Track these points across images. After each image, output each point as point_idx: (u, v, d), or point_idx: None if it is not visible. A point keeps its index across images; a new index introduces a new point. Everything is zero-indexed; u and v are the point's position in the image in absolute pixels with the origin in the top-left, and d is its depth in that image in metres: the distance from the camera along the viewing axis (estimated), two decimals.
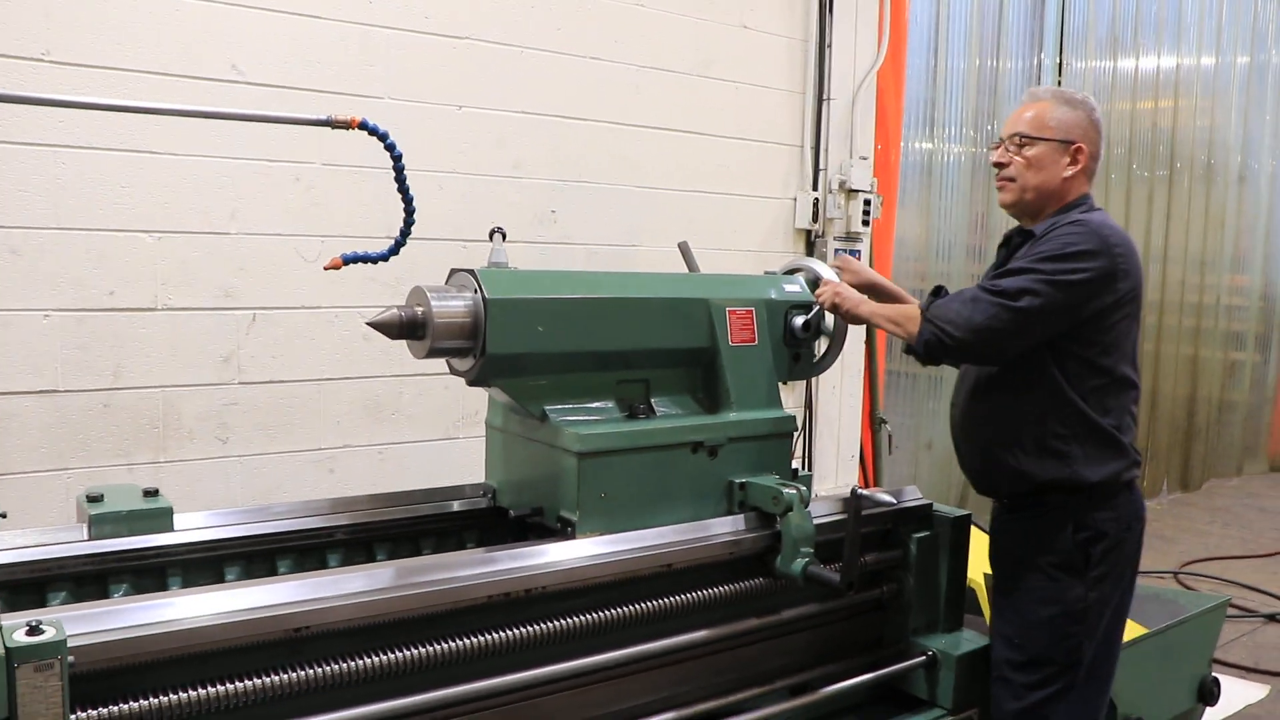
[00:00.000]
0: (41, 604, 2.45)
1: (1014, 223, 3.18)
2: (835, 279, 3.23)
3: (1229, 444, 10.73)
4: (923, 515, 3.23)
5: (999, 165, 3.07)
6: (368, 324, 2.60)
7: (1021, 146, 3.01)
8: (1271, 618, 6.45)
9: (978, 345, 2.87)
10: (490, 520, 3.09)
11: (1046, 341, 2.88)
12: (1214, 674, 3.77)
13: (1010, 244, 3.11)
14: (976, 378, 3.09)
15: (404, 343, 2.66)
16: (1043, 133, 3.00)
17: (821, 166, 6.09)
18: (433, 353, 2.62)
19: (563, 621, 2.48)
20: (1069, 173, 3.00)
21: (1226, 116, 9.91)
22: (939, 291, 3.01)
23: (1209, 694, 3.72)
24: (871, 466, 6.64)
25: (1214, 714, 4.58)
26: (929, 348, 2.91)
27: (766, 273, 3.39)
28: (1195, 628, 3.68)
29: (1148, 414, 9.40)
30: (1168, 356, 9.63)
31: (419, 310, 2.59)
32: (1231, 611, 5.88)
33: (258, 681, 2.08)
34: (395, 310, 2.59)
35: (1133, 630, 3.54)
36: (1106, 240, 2.83)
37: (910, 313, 2.99)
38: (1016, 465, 2.97)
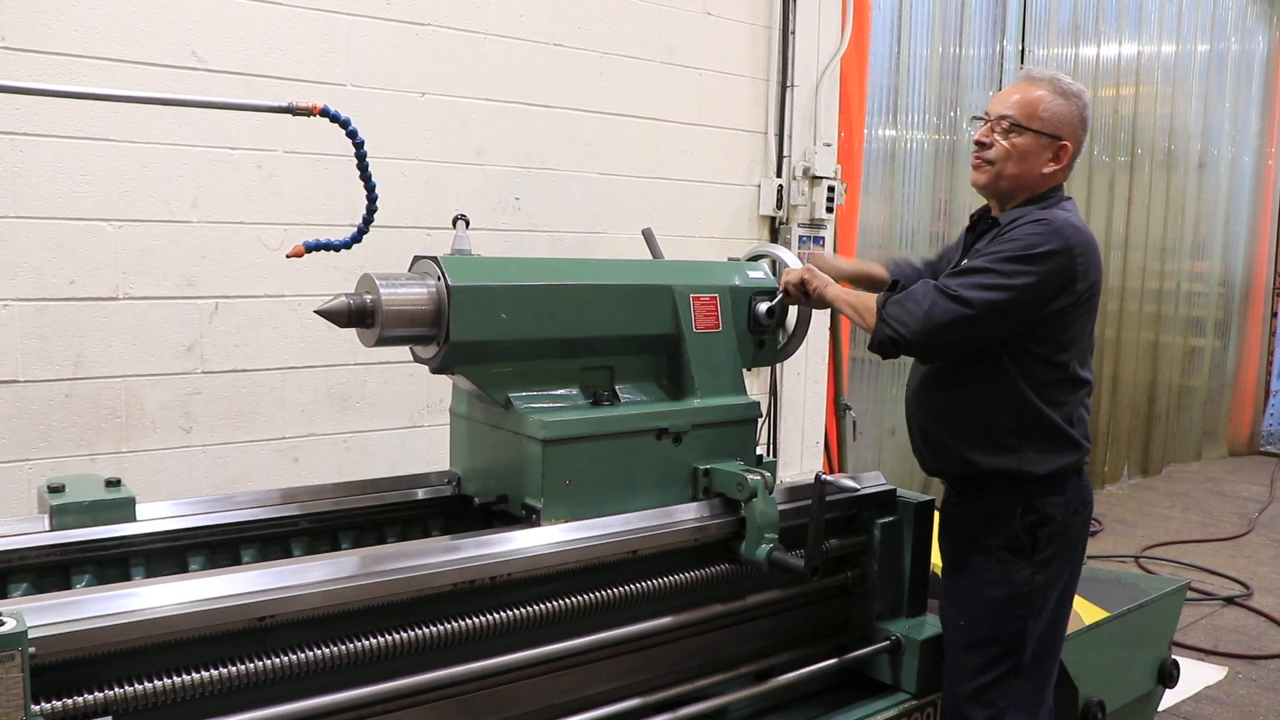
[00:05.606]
0: (3, 595, 2.43)
1: (979, 202, 3.13)
2: (799, 266, 3.23)
3: (1189, 429, 10.85)
4: (886, 501, 3.25)
5: (981, 144, 2.98)
6: (316, 312, 2.57)
7: (1008, 132, 2.93)
8: (1230, 601, 6.54)
9: (932, 346, 2.87)
10: (455, 508, 3.09)
11: (1001, 339, 2.85)
12: (1174, 656, 3.81)
13: (975, 229, 3.07)
14: (930, 365, 3.06)
15: None
16: (1032, 123, 2.91)
17: (785, 153, 6.10)
18: (382, 341, 2.59)
19: (528, 609, 2.48)
20: (1049, 169, 2.93)
21: (1187, 104, 10.01)
22: (895, 286, 2.94)
23: (1169, 676, 3.75)
24: (836, 452, 6.67)
25: (1173, 696, 4.65)
26: (883, 346, 2.89)
27: (730, 259, 3.38)
28: (1155, 611, 3.72)
29: (1109, 400, 9.49)
30: (1128, 342, 9.71)
31: (368, 298, 2.57)
32: (1191, 595, 5.99)
33: (222, 671, 2.07)
34: (344, 298, 2.57)
35: (1094, 613, 3.58)
36: (1068, 240, 2.77)
37: (870, 304, 2.94)
38: (964, 454, 2.96)
